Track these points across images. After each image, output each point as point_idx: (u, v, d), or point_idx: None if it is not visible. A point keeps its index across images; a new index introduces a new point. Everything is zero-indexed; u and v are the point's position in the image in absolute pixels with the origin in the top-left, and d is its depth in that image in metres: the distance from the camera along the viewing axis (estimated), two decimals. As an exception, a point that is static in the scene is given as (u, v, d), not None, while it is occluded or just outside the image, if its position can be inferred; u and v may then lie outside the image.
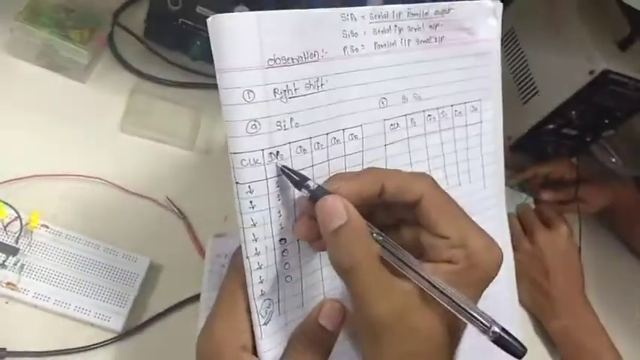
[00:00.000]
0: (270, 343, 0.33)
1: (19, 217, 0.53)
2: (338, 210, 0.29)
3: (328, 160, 0.33)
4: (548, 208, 0.78)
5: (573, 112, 0.75)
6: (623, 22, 0.74)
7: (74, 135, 0.63)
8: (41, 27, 0.64)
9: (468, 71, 0.40)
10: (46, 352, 0.49)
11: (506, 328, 0.29)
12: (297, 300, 0.34)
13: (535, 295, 0.71)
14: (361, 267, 0.29)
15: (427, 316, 0.29)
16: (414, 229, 0.32)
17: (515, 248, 0.48)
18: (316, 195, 0.30)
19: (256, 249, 0.31)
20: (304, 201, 0.32)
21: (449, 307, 0.29)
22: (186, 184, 0.65)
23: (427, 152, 0.39)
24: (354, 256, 0.29)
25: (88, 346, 0.51)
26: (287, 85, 0.30)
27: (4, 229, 0.52)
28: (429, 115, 0.38)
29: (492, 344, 0.29)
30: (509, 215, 0.47)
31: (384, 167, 0.36)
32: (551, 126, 0.78)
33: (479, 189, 0.43)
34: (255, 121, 0.29)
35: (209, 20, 0.28)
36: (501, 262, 0.31)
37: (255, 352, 0.33)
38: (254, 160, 0.30)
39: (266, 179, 0.31)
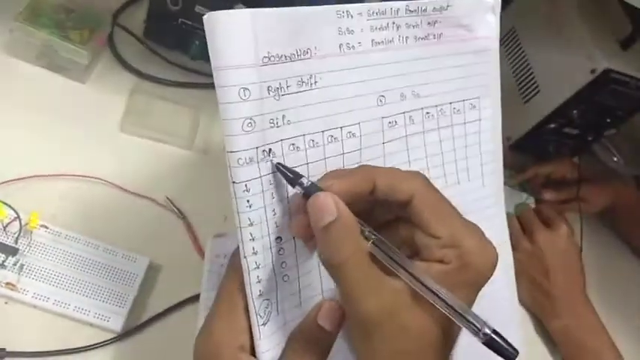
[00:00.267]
0: (269, 343, 0.33)
1: (18, 217, 0.53)
2: (328, 206, 0.29)
3: (325, 159, 0.33)
4: (547, 207, 0.78)
5: (574, 112, 0.75)
6: (624, 21, 0.74)
7: (74, 135, 0.63)
8: (41, 27, 0.64)
9: (466, 69, 0.40)
10: (46, 352, 0.49)
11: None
12: (295, 299, 0.34)
13: (535, 295, 0.71)
14: (349, 263, 0.29)
15: (418, 315, 0.29)
16: (410, 228, 0.32)
17: (514, 248, 0.48)
18: (309, 192, 0.30)
19: (254, 248, 0.31)
20: (298, 198, 0.32)
21: (439, 307, 0.29)
22: (186, 184, 0.65)
23: (425, 150, 0.39)
24: (342, 252, 0.29)
25: (88, 346, 0.51)
26: (280, 83, 0.30)
27: (4, 230, 0.52)
28: (428, 113, 0.38)
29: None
30: (509, 215, 0.47)
31: (383, 165, 0.36)
32: (552, 125, 0.78)
33: (477, 187, 0.43)
34: (250, 119, 0.29)
35: (205, 18, 0.28)
36: (496, 262, 0.31)
37: (253, 352, 0.33)
38: (249, 158, 0.30)
39: (260, 177, 0.31)
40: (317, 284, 0.35)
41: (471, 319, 0.28)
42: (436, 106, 0.39)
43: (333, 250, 0.29)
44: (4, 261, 0.51)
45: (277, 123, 0.31)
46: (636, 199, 0.84)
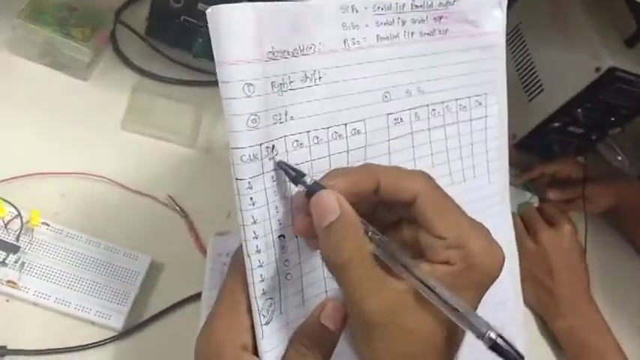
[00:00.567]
0: (272, 343, 0.32)
1: (19, 215, 0.53)
2: (331, 205, 0.29)
3: (329, 155, 0.33)
4: (551, 206, 0.77)
5: (579, 110, 0.74)
6: (629, 19, 0.74)
7: (76, 133, 0.63)
8: (43, 25, 0.64)
9: (472, 64, 0.39)
10: (47, 350, 0.49)
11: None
12: (298, 298, 0.34)
13: (540, 295, 0.70)
14: (352, 263, 0.29)
15: (422, 317, 0.29)
16: (414, 228, 0.32)
17: (518, 247, 0.48)
18: (312, 190, 0.30)
19: (257, 246, 0.31)
20: (301, 196, 0.31)
21: (443, 310, 0.28)
22: (188, 182, 0.65)
23: (431, 147, 0.38)
24: (345, 251, 0.29)
25: (89, 344, 0.50)
26: (283, 78, 0.30)
27: (5, 227, 0.52)
28: (434, 110, 0.38)
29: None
30: (512, 215, 0.46)
31: (388, 163, 0.36)
32: (556, 124, 0.77)
33: (483, 185, 0.42)
34: (255, 115, 0.29)
35: (208, 11, 0.27)
36: (503, 263, 0.30)
37: (255, 352, 0.32)
38: (253, 155, 0.29)
39: (263, 174, 0.30)
40: (320, 283, 0.35)
41: (476, 323, 0.28)
42: (442, 102, 0.38)
43: (335, 250, 0.29)
44: (5, 259, 0.51)
45: (281, 119, 0.30)
46: (640, 198, 0.83)
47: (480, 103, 0.41)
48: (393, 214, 0.33)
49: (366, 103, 0.34)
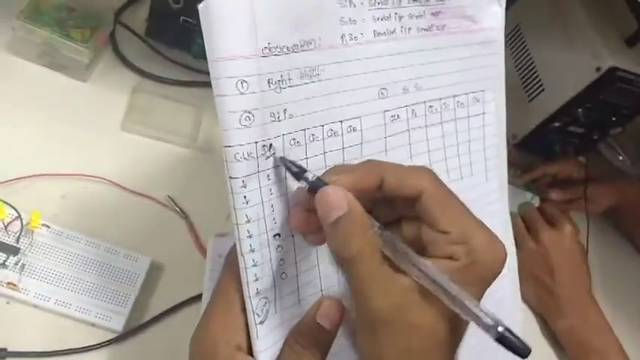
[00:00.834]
0: (266, 342, 0.32)
1: (19, 216, 0.52)
2: (339, 200, 0.29)
3: (324, 153, 0.33)
4: (551, 206, 0.77)
5: (580, 110, 0.74)
6: (629, 18, 0.74)
7: (75, 134, 0.63)
8: (43, 26, 0.64)
9: (470, 60, 0.39)
10: (47, 352, 0.49)
11: (508, 325, 0.28)
12: (294, 298, 0.34)
13: (541, 295, 0.70)
14: (361, 257, 0.29)
15: (428, 312, 0.29)
16: (414, 226, 0.32)
17: (519, 247, 0.48)
18: (315, 186, 0.30)
19: (251, 245, 0.31)
20: (301, 193, 0.31)
21: (451, 305, 0.28)
22: (188, 183, 0.64)
23: (428, 145, 0.38)
24: (353, 246, 0.29)
25: (89, 346, 0.50)
26: (281, 75, 0.30)
27: (5, 229, 0.52)
28: (431, 107, 0.38)
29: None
30: (513, 214, 0.46)
31: (384, 160, 0.36)
32: (557, 124, 0.77)
33: (481, 183, 0.42)
34: (249, 112, 0.29)
35: (200, 6, 0.27)
36: (505, 259, 0.31)
37: (250, 351, 0.32)
38: (247, 153, 0.29)
39: (258, 172, 0.30)
40: (316, 282, 0.35)
41: (485, 317, 0.28)
42: (439, 99, 0.38)
43: (343, 244, 0.29)
44: (5, 260, 0.51)
45: (279, 117, 0.30)
46: (641, 198, 0.83)
47: (478, 100, 0.40)
48: (393, 211, 0.33)
49: (362, 99, 0.34)
